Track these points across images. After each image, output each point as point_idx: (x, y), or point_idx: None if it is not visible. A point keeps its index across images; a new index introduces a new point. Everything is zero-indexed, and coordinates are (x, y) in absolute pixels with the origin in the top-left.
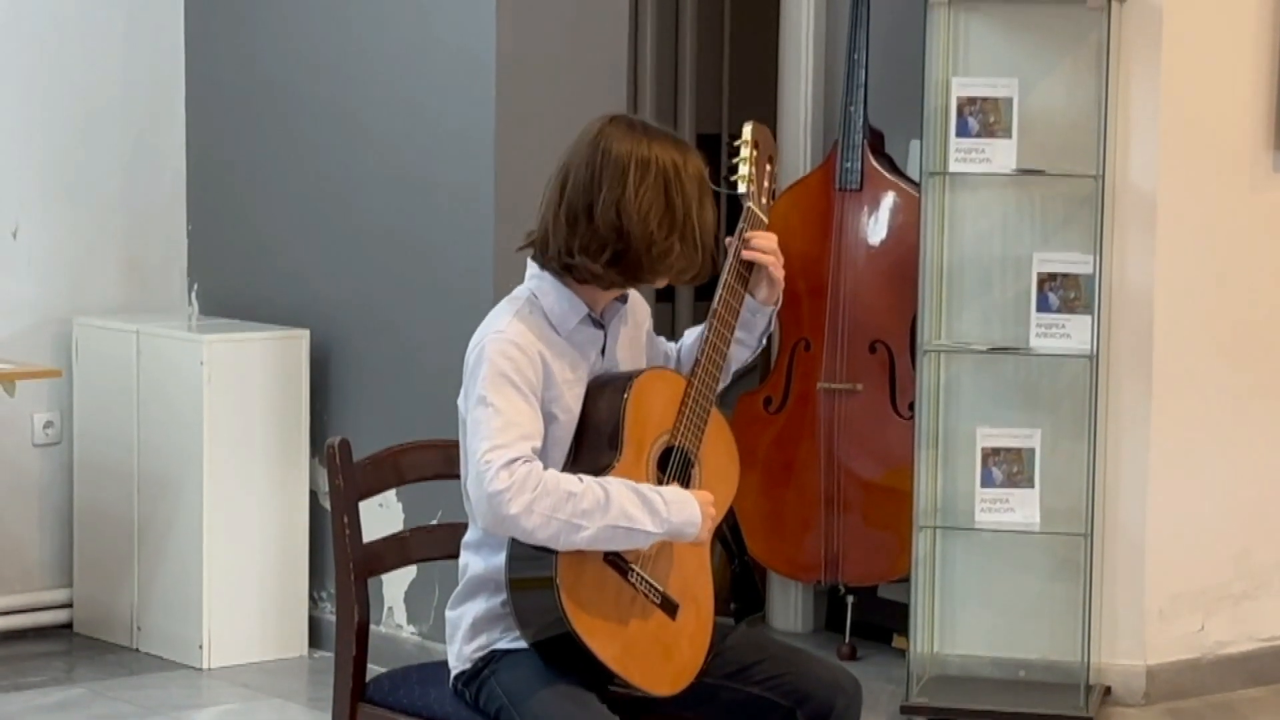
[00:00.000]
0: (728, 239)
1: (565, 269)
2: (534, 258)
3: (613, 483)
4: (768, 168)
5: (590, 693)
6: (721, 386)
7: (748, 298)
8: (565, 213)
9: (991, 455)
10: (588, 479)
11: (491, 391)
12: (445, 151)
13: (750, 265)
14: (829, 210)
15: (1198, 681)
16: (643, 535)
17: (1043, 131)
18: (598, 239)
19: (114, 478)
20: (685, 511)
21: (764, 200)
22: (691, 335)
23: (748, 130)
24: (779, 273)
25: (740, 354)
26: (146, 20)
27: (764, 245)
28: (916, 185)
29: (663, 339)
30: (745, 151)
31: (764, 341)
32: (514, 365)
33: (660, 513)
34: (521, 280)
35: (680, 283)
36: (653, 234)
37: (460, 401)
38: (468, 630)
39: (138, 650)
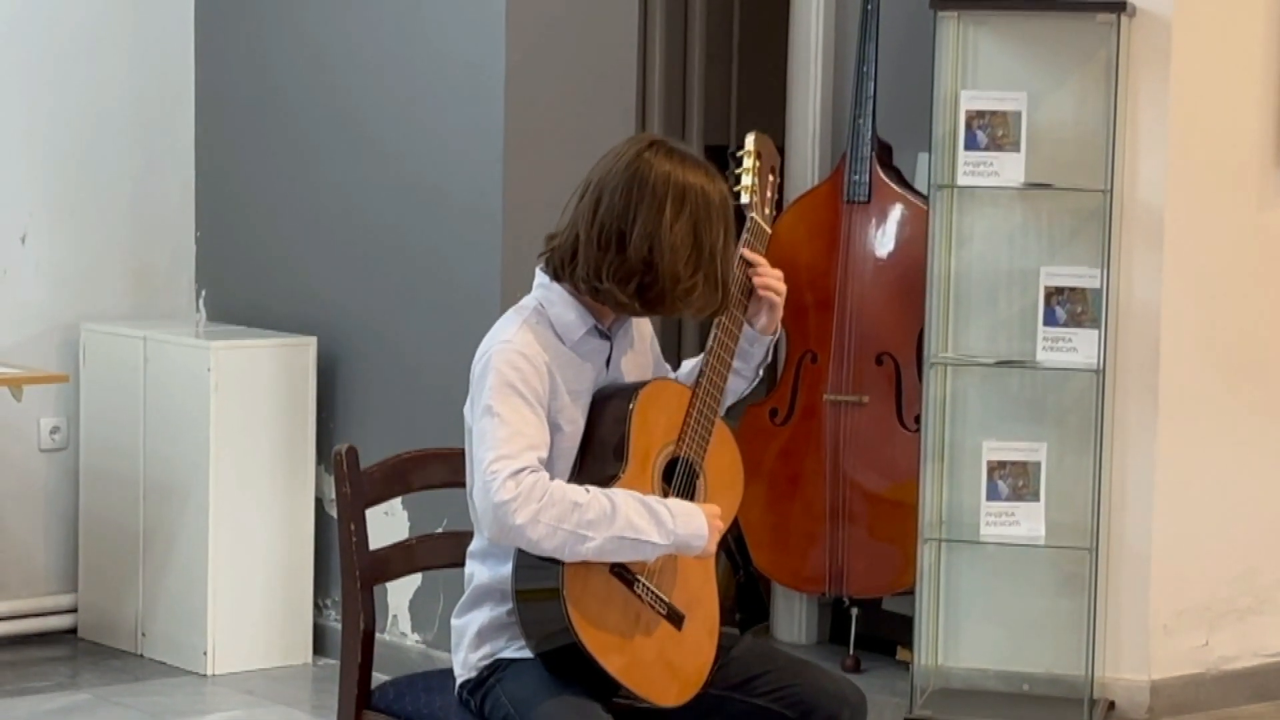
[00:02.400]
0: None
1: (592, 291)
2: (546, 269)
3: (619, 494)
4: (770, 178)
5: (595, 703)
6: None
7: (746, 327)
8: (598, 235)
9: (997, 468)
10: (594, 490)
11: (498, 401)
12: (453, 161)
13: (752, 292)
14: (837, 222)
15: (1202, 697)
16: (649, 547)
17: (1051, 145)
18: (626, 268)
19: (120, 483)
20: (692, 524)
21: (766, 210)
22: (689, 364)
23: (750, 140)
24: (779, 308)
25: (737, 385)
26: (156, 28)
27: (774, 285)
28: (924, 198)
29: (665, 363)
30: (748, 162)
31: (760, 373)
32: (521, 375)
33: (666, 525)
34: (529, 289)
35: (698, 318)
36: (679, 272)
37: (467, 411)
38: (473, 639)
39: (142, 656)
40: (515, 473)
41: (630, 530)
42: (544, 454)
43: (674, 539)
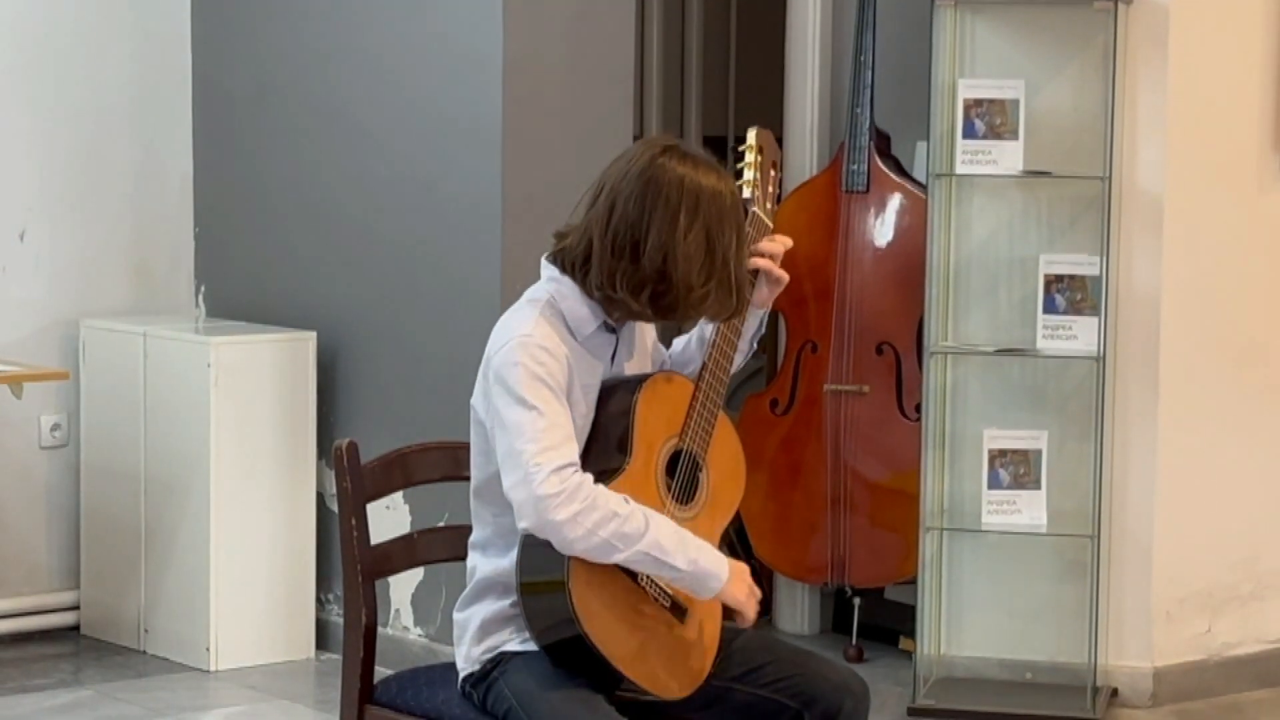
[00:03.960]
0: None
1: (605, 299)
2: (555, 260)
3: (655, 515)
4: (772, 173)
5: (599, 695)
6: None
7: None
8: (612, 242)
9: (998, 457)
10: (633, 502)
11: (531, 394)
12: (452, 154)
13: (757, 272)
14: (835, 212)
15: (1204, 683)
16: (670, 569)
17: (1049, 133)
18: (640, 277)
19: (121, 480)
20: (714, 564)
21: (768, 205)
22: (679, 343)
23: (752, 135)
24: (781, 274)
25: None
26: (154, 25)
27: (772, 250)
28: (923, 187)
29: (660, 345)
30: (750, 157)
31: (754, 345)
32: (546, 369)
33: (690, 553)
34: (530, 281)
35: (713, 322)
36: (693, 280)
37: (477, 402)
38: (476, 632)
39: (145, 652)
40: (559, 468)
41: (657, 550)
42: (577, 446)
43: (695, 569)
